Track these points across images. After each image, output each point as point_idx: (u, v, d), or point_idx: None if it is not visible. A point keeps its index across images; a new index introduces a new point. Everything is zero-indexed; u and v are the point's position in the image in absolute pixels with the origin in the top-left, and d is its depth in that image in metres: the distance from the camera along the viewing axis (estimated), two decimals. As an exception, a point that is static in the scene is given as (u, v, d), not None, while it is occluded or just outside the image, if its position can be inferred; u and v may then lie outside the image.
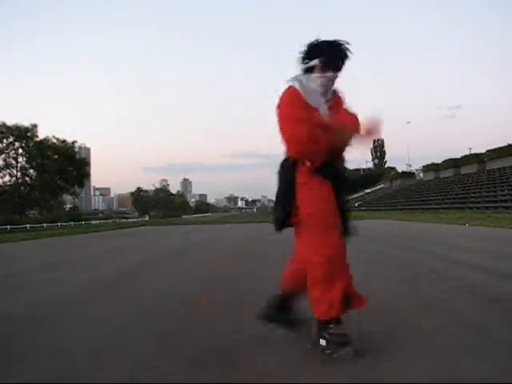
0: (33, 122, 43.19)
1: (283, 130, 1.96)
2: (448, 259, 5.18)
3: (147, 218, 66.40)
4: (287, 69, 2.15)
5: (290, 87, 1.97)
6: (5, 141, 40.18)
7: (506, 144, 30.13)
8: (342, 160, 2.09)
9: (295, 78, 2.01)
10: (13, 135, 40.07)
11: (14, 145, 40.61)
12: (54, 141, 42.26)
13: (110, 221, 48.62)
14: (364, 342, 2.08)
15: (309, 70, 1.97)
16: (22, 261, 7.41)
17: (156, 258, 6.78)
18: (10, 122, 40.01)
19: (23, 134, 40.15)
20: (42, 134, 42.08)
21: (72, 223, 35.16)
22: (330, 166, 1.98)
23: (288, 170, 2.02)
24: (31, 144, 40.48)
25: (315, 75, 1.94)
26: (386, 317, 2.54)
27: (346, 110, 2.05)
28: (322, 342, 1.89)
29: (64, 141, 42.78)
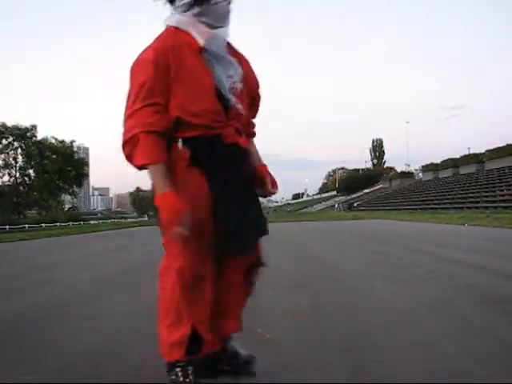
0: (32, 122, 43.21)
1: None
2: (447, 259, 5.18)
3: (146, 219, 66.33)
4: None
5: (168, 30, 1.36)
6: (4, 141, 40.19)
7: (504, 144, 30.24)
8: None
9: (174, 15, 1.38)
10: (12, 135, 40.08)
11: (13, 145, 40.62)
12: (53, 141, 42.30)
13: (109, 221, 48.62)
14: (364, 342, 2.09)
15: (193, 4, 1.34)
16: (21, 261, 7.41)
17: (156, 258, 6.75)
18: (9, 123, 40.10)
19: (23, 134, 40.16)
20: (41, 135, 42.15)
21: (71, 223, 35.08)
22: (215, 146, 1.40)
23: None
24: (30, 144, 40.49)
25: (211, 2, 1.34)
26: (386, 317, 2.54)
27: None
28: None
29: (62, 141, 42.83)
